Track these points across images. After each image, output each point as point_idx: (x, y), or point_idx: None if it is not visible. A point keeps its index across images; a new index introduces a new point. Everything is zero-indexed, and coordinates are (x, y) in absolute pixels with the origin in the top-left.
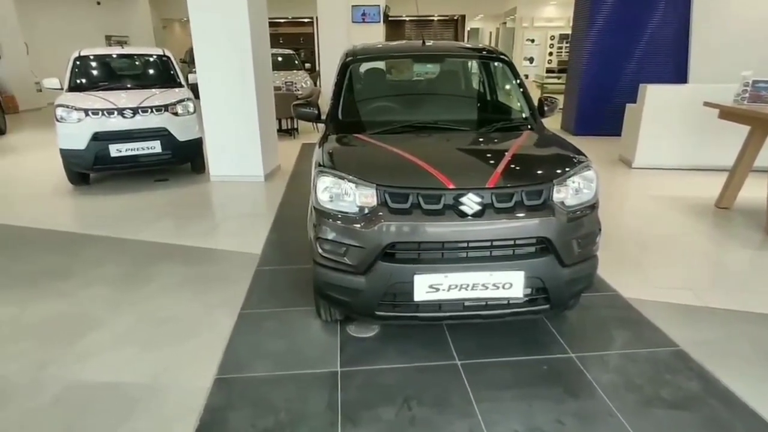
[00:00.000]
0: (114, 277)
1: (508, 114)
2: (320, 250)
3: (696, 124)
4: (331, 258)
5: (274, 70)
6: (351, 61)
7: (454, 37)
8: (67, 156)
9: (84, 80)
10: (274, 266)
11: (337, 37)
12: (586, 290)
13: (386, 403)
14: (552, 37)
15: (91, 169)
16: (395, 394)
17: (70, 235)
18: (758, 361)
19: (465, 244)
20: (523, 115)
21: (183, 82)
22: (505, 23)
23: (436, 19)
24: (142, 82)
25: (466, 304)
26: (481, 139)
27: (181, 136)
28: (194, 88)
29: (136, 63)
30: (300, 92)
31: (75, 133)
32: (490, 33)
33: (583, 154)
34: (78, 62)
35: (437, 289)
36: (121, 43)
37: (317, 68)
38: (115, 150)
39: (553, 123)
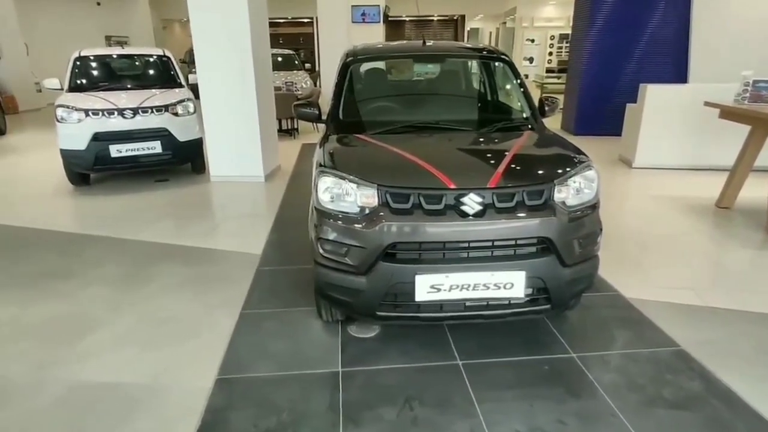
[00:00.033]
0: (114, 277)
1: (509, 114)
2: (321, 251)
3: (696, 124)
4: (332, 258)
5: (274, 70)
6: (352, 61)
7: (454, 37)
8: (68, 156)
9: (84, 80)
10: (275, 266)
11: (337, 38)
12: (587, 290)
13: (388, 403)
14: (552, 37)
15: (91, 169)
16: (397, 395)
17: (71, 236)
18: (759, 361)
19: (466, 244)
20: (524, 115)
21: (183, 83)
22: (504, 23)
23: (435, 19)
24: (142, 82)
25: (468, 304)
26: (482, 139)
27: (182, 136)
28: (194, 89)
29: (137, 63)
30: (300, 92)
31: (75, 133)
32: (490, 33)
33: (584, 154)
34: (78, 62)
35: (438, 290)
36: (121, 44)
37: (317, 68)
38: (116, 150)
39: (553, 123)
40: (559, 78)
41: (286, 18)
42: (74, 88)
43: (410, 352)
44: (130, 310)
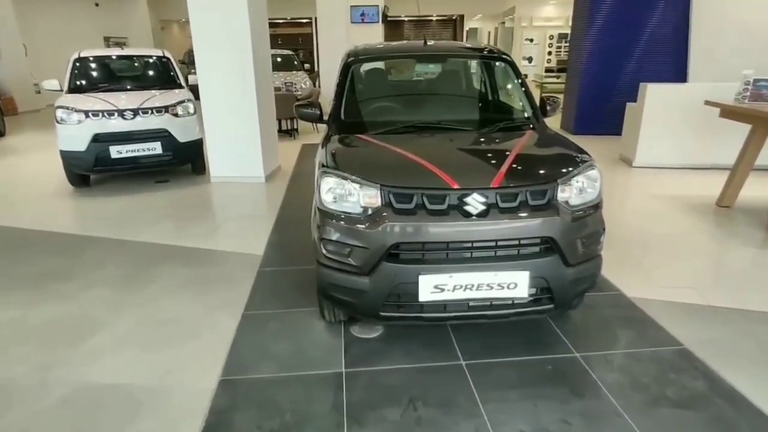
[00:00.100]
0: (115, 278)
1: (511, 114)
2: (324, 251)
3: (697, 123)
4: (335, 259)
5: (273, 70)
6: (353, 61)
7: (453, 37)
8: (68, 157)
9: (84, 82)
10: (277, 267)
11: (337, 38)
12: (590, 290)
13: (391, 403)
14: (551, 37)
15: (91, 170)
16: (400, 395)
17: (71, 237)
18: (762, 359)
19: (470, 245)
20: (526, 115)
21: (183, 83)
22: (503, 23)
23: (434, 19)
24: (142, 83)
25: (471, 304)
26: (484, 139)
27: (182, 137)
28: (194, 89)
29: (136, 64)
30: (299, 93)
31: (75, 134)
32: (489, 33)
33: (587, 154)
34: (78, 64)
35: (442, 290)
36: (120, 45)
37: (316, 69)
38: (116, 151)
39: (552, 122)
40: (558, 77)
41: (285, 18)
42: (74, 89)
43: (414, 353)
44: (132, 311)
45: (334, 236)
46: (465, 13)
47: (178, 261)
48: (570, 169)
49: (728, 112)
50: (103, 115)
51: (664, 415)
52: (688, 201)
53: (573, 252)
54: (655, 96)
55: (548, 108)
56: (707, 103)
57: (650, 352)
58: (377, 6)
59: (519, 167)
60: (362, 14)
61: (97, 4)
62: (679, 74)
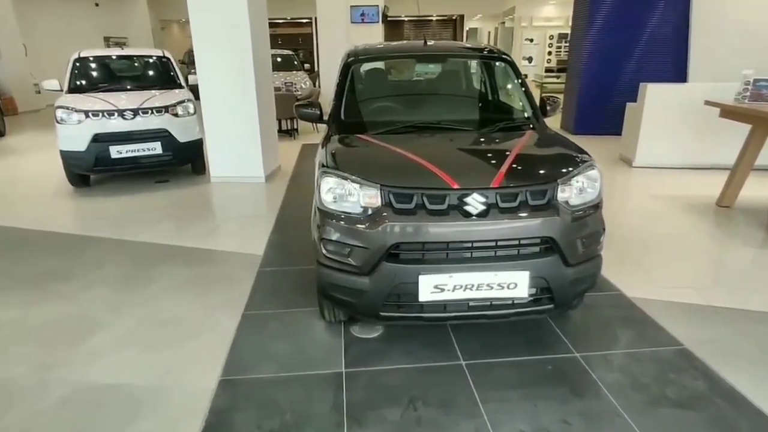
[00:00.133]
0: (115, 278)
1: (511, 114)
2: (324, 251)
3: (697, 123)
4: (335, 259)
5: (273, 70)
6: (353, 61)
7: (453, 37)
8: (68, 158)
9: (84, 82)
10: (277, 267)
11: (337, 38)
12: (590, 290)
13: (391, 403)
14: (551, 37)
15: (91, 170)
16: (400, 395)
17: (71, 237)
18: (762, 359)
19: (470, 245)
20: (526, 115)
21: (183, 83)
22: (503, 23)
23: (434, 19)
24: (142, 83)
25: (471, 304)
26: (484, 139)
27: (182, 137)
28: (194, 89)
29: (136, 64)
30: (299, 93)
31: (75, 134)
32: (489, 33)
33: (587, 153)
34: (78, 64)
35: (442, 290)
36: (121, 45)
37: (316, 69)
38: (116, 151)
39: (552, 122)
40: (558, 77)
41: (285, 18)
42: (74, 89)
43: (414, 353)
44: (132, 311)
45: (334, 236)
46: (465, 13)
47: (178, 261)
48: (570, 169)
49: (728, 112)
50: (103, 115)
51: (664, 415)
52: (688, 201)
53: (573, 252)
54: (655, 96)
55: (548, 108)
56: (707, 103)
57: (650, 352)
58: (377, 6)
59: (519, 167)
60: (362, 14)
61: (97, 4)
62: (679, 74)
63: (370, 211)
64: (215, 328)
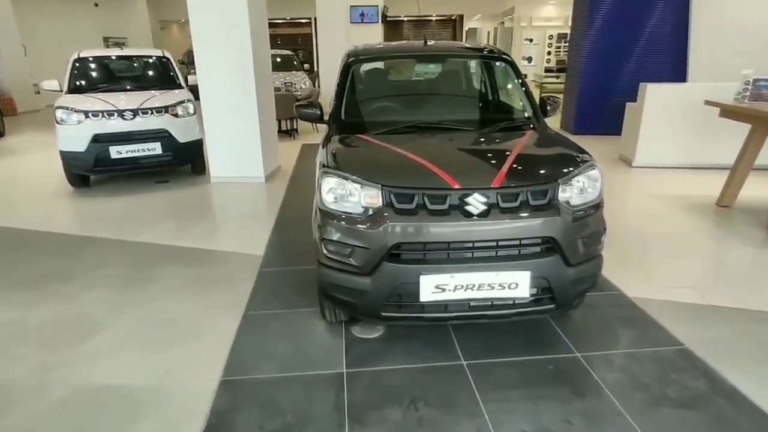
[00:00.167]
0: (116, 279)
1: (511, 114)
2: (325, 251)
3: (696, 123)
4: (336, 259)
5: (273, 71)
6: (354, 61)
7: (452, 37)
8: (67, 158)
9: (83, 82)
10: (277, 267)
11: (336, 38)
12: (591, 290)
13: (393, 404)
14: (550, 37)
15: (91, 171)
16: (402, 395)
17: (71, 238)
18: (763, 359)
19: (471, 245)
20: (526, 115)
21: (183, 84)
22: (503, 23)
23: (434, 19)
24: (141, 83)
25: (472, 304)
26: (485, 139)
27: (182, 137)
28: (193, 90)
29: (136, 64)
30: (299, 93)
31: (75, 135)
32: (488, 33)
33: (587, 153)
34: (77, 64)
35: (443, 290)
36: (120, 45)
37: (315, 69)
38: (116, 152)
39: (552, 122)
40: (557, 77)
41: (285, 18)
42: (73, 89)
43: (415, 353)
44: (132, 312)
45: (335, 236)
46: (464, 13)
47: (178, 261)
48: (571, 169)
49: (728, 112)
50: (103, 116)
51: (665, 415)
52: (687, 201)
53: (574, 252)
54: (655, 96)
55: (548, 108)
56: (707, 102)
57: (651, 352)
58: (377, 6)
59: (520, 167)
60: (362, 14)
61: (96, 5)
62: (679, 74)
63: (371, 212)
64: (216, 329)
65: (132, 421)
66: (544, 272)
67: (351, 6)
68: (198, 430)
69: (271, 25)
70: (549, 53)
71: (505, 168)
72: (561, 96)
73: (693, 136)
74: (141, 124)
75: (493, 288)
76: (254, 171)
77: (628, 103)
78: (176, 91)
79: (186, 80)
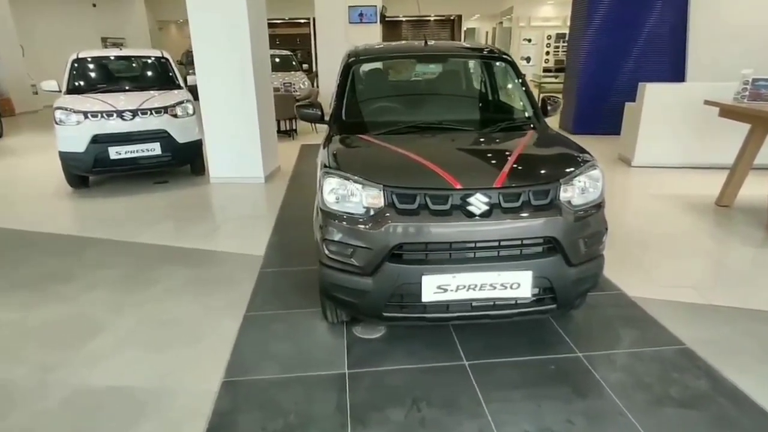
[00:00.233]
0: (116, 280)
1: (512, 114)
2: (327, 252)
3: (696, 123)
4: (338, 259)
5: (272, 71)
6: (354, 62)
7: (451, 37)
8: (67, 159)
9: (82, 82)
10: (278, 268)
11: (335, 38)
12: (592, 289)
13: (395, 404)
14: (549, 37)
15: (90, 171)
16: (404, 396)
17: (71, 238)
18: (764, 358)
19: (473, 245)
20: (527, 115)
21: (182, 84)
22: (501, 23)
23: (432, 19)
24: (140, 84)
25: (474, 304)
26: (486, 139)
27: (181, 138)
28: (192, 90)
29: (135, 65)
30: (298, 93)
31: (74, 135)
32: (487, 33)
33: (588, 153)
34: (76, 64)
35: (445, 290)
36: (119, 45)
37: (314, 69)
38: (115, 152)
39: (551, 122)
40: (556, 77)
41: (283, 19)
42: (72, 90)
43: (416, 353)
44: (133, 312)
45: (337, 237)
46: (463, 13)
47: (178, 262)
48: (572, 168)
49: (727, 112)
50: (102, 116)
51: (667, 415)
52: (687, 200)
53: (576, 252)
54: (654, 96)
55: (549, 108)
56: (707, 102)
57: (652, 351)
58: (375, 6)
59: (521, 167)
60: (360, 14)
61: (94, 5)
62: (677, 74)
63: (372, 212)
64: (217, 329)
65: (134, 423)
66: (546, 272)
67: (349, 6)
68: (200, 431)
69: (270, 26)
70: (547, 53)
71: (506, 168)
72: (560, 96)
73: (692, 135)
74: (140, 124)
75: (495, 288)
76: (254, 171)
77: (627, 102)
78: (175, 91)
79: (185, 80)
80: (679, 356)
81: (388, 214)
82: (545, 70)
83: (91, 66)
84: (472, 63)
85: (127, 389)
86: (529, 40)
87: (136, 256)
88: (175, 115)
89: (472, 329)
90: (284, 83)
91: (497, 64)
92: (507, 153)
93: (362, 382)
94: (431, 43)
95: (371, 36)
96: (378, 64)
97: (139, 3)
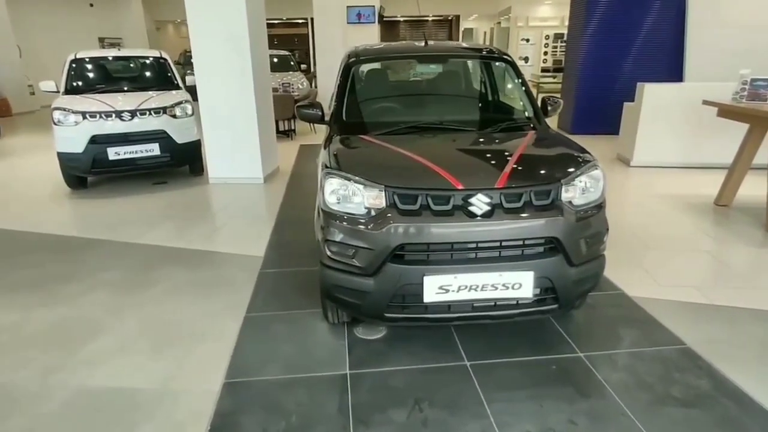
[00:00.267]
0: (116, 281)
1: (513, 114)
2: (328, 252)
3: (694, 122)
4: (340, 260)
5: (270, 71)
6: (354, 62)
7: (449, 38)
8: (65, 159)
9: (80, 83)
10: (278, 268)
11: (333, 38)
12: (593, 290)
13: (397, 405)
14: (547, 37)
15: (89, 172)
16: (406, 396)
17: (70, 239)
18: (766, 357)
19: (474, 245)
20: (527, 115)
21: (180, 84)
22: (499, 23)
23: (430, 19)
24: (139, 84)
25: (476, 304)
26: (487, 140)
27: (180, 138)
28: (191, 90)
29: (133, 65)
30: (297, 93)
31: (73, 136)
32: (485, 33)
33: (589, 153)
34: (74, 65)
35: (447, 290)
36: (117, 45)
37: (312, 69)
38: (114, 153)
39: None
40: (554, 77)
41: (281, 19)
42: (70, 90)
43: (418, 354)
44: (135, 314)
45: (338, 237)
46: (461, 13)
47: (178, 263)
48: (573, 169)
49: (726, 112)
50: (101, 117)
51: (669, 415)
52: (686, 200)
53: (577, 252)
54: (653, 95)
55: (549, 108)
56: (705, 102)
57: (653, 351)
58: (373, 6)
59: (523, 167)
60: (359, 14)
61: (91, 5)
62: (676, 74)
63: (374, 212)
64: (218, 331)
65: (136, 424)
66: (548, 272)
67: (348, 6)
68: None
69: (268, 26)
70: (546, 53)
71: (508, 168)
72: (559, 96)
73: (691, 135)
74: (139, 125)
75: (496, 288)
76: (253, 172)
77: (625, 102)
78: (174, 92)
79: (183, 81)
80: (680, 356)
81: (389, 215)
82: (543, 70)
83: (89, 66)
84: (472, 63)
85: (128, 391)
86: (527, 40)
87: (136, 257)
88: (174, 116)
89: (474, 330)
90: (283, 83)
91: (497, 64)
92: (508, 153)
93: (364, 382)
94: (431, 43)
95: (370, 36)
96: (378, 65)
97: (137, 3)
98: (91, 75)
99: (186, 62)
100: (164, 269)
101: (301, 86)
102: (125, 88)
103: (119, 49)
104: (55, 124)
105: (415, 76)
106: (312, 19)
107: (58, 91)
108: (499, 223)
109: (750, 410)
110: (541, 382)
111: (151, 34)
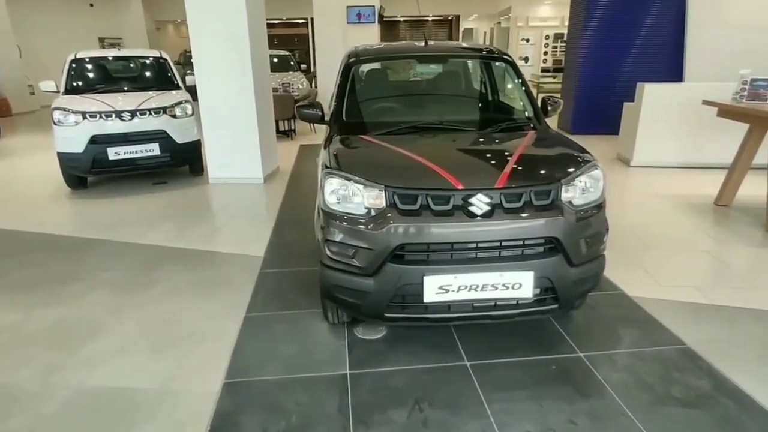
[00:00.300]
0: (116, 281)
1: (513, 114)
2: (328, 252)
3: (694, 122)
4: (340, 260)
5: (270, 71)
6: (354, 62)
7: (449, 38)
8: (65, 159)
9: (80, 83)
10: (278, 269)
11: (333, 38)
12: (593, 290)
13: (397, 405)
14: (547, 37)
15: (89, 172)
16: (406, 396)
17: (70, 240)
18: (766, 357)
19: (474, 245)
20: (527, 115)
21: (180, 84)
22: (499, 23)
23: (430, 19)
24: (139, 84)
25: (476, 304)
26: (487, 140)
27: (180, 138)
28: (191, 90)
29: (133, 65)
30: (297, 93)
31: (72, 136)
32: (485, 33)
33: (589, 153)
34: (74, 65)
35: (447, 290)
36: (117, 45)
37: (312, 69)
38: (114, 153)
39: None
40: (554, 77)
41: (281, 19)
42: (70, 90)
43: (418, 354)
44: (135, 314)
45: (338, 237)
46: (461, 13)
47: (178, 263)
48: (573, 169)
49: (726, 112)
50: (101, 117)
51: (669, 415)
52: (686, 200)
53: (577, 252)
54: (653, 95)
55: (549, 108)
56: (705, 102)
57: (653, 351)
58: (373, 6)
59: (523, 167)
60: (359, 14)
61: (91, 5)
62: (676, 74)
63: (374, 212)
64: (218, 331)
65: (136, 424)
66: (548, 272)
67: (348, 6)
68: None
69: (268, 26)
70: (546, 53)
71: (508, 168)
72: (559, 96)
73: (691, 135)
74: (139, 125)
75: (496, 288)
76: (253, 172)
77: (625, 102)
78: (174, 92)
79: (183, 81)
80: (680, 356)
81: (389, 215)
82: (543, 70)
83: (89, 66)
84: (472, 63)
85: (128, 390)
86: (527, 40)
87: (136, 257)
88: (174, 116)
89: (473, 330)
90: (283, 83)
91: (497, 64)
92: (508, 153)
93: (364, 382)
94: (431, 43)
95: (370, 36)
96: (378, 65)
97: (137, 3)
98: (91, 75)
99: (186, 62)
100: (164, 269)
101: (301, 86)
102: (125, 88)
103: (119, 49)
104: (55, 124)
105: (415, 76)
106: (312, 19)
107: (58, 91)
108: (499, 223)
109: (750, 410)
110: (541, 382)
111: (151, 34)
